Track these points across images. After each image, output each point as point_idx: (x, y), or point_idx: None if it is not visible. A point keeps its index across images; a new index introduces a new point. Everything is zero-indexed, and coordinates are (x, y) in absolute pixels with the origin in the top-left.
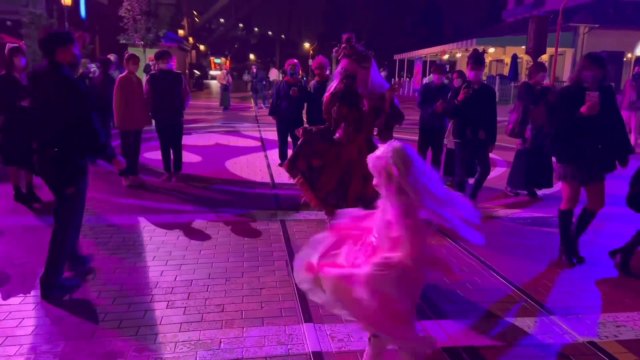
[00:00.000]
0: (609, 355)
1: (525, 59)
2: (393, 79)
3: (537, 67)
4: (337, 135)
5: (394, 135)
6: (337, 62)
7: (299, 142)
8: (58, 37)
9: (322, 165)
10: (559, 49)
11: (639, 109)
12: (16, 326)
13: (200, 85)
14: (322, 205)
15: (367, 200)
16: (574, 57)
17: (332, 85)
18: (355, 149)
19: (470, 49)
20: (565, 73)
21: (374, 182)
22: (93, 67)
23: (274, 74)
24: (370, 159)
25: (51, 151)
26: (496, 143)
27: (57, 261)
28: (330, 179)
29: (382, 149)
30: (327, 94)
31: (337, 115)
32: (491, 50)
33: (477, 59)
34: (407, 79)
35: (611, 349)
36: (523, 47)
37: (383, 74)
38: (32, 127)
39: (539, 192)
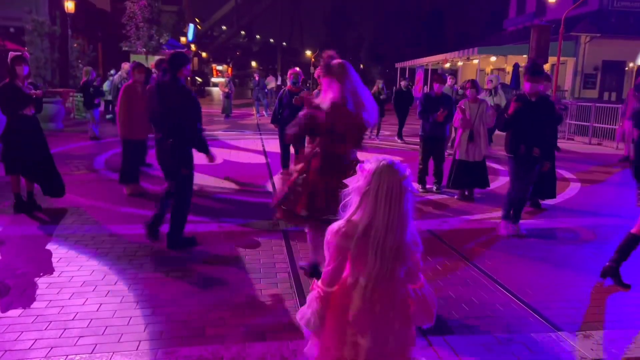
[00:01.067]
0: None
1: None
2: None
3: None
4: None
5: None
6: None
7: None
8: (184, 58)
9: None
10: (561, 58)
11: None
12: (15, 339)
13: (202, 92)
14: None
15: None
16: (575, 66)
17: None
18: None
19: (472, 58)
20: (567, 82)
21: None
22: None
23: (272, 81)
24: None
25: (168, 142)
26: (495, 152)
27: (180, 224)
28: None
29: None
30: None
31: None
32: (493, 59)
33: (534, 70)
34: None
35: None
36: (525, 56)
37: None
38: (156, 124)
39: (542, 203)
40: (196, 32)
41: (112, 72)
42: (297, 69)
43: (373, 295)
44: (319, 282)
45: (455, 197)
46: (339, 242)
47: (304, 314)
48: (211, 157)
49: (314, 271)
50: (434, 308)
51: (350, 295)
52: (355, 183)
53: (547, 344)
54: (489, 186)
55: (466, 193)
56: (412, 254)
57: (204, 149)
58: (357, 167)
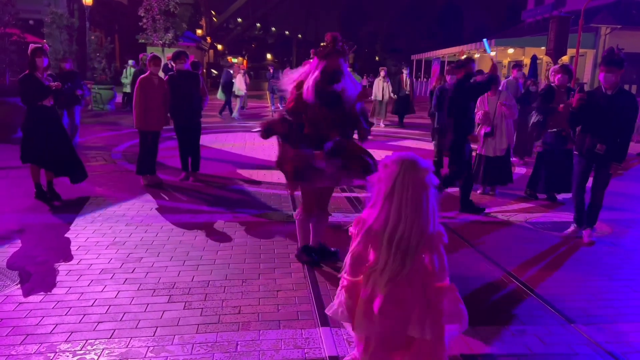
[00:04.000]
0: None
1: (545, 60)
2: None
3: (562, 70)
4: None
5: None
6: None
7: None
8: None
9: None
10: (580, 50)
11: None
12: (36, 324)
13: (217, 84)
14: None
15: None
16: (595, 58)
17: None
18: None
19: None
20: (586, 75)
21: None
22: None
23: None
24: (381, 165)
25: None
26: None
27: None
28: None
29: (391, 157)
30: (294, 96)
31: (315, 115)
32: (510, 51)
33: (610, 59)
34: (425, 80)
35: (634, 358)
36: (543, 48)
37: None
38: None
39: (559, 197)
40: (489, 45)
41: (131, 62)
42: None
43: (395, 287)
44: (344, 273)
45: (478, 192)
46: (363, 235)
47: (332, 305)
48: None
49: (311, 257)
50: (463, 311)
51: (374, 285)
52: (377, 180)
53: (560, 336)
54: (512, 182)
55: (488, 189)
56: (436, 246)
57: None
58: (379, 163)
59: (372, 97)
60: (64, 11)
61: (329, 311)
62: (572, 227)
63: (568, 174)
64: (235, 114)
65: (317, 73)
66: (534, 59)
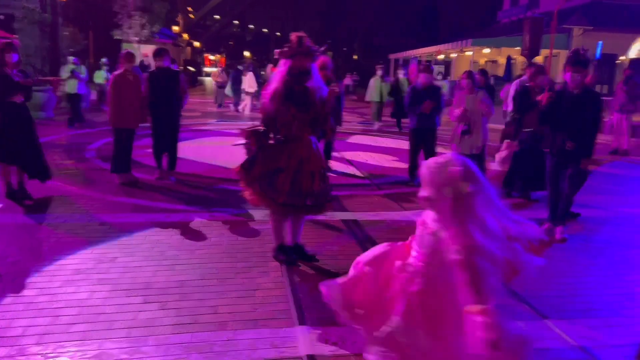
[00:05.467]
0: None
1: (519, 60)
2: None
3: (537, 71)
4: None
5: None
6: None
7: (251, 149)
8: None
9: (277, 168)
10: (554, 51)
11: (630, 112)
12: (6, 327)
13: (194, 81)
14: (280, 210)
15: (316, 195)
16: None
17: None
18: (305, 146)
19: (466, 50)
20: (559, 74)
21: (426, 194)
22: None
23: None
24: (430, 168)
25: None
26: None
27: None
28: (286, 180)
29: (444, 160)
30: (267, 94)
31: (285, 117)
32: (486, 50)
33: (576, 60)
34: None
35: (604, 353)
36: (518, 48)
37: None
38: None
39: (533, 194)
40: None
41: (104, 60)
42: None
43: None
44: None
45: None
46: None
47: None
48: None
49: (288, 256)
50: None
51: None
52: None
53: (534, 331)
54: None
55: None
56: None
57: None
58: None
59: (368, 99)
60: (36, 6)
61: None
62: (546, 225)
63: (543, 172)
64: (244, 110)
65: (284, 74)
66: (509, 59)
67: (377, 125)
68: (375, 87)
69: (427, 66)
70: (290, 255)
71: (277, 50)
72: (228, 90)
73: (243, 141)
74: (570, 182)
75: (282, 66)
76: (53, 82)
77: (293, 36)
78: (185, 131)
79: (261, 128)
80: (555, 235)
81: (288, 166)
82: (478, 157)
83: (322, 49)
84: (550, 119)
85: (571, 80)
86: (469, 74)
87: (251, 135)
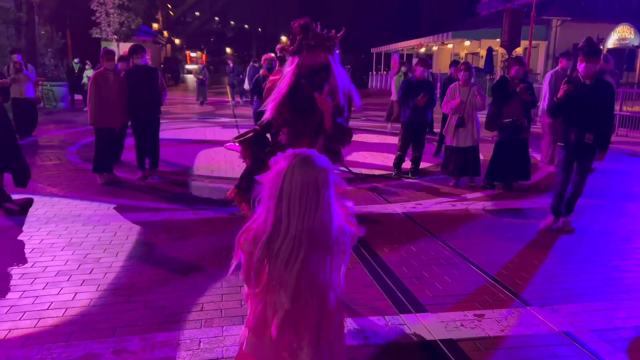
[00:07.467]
0: (584, 345)
1: (500, 51)
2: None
3: (515, 62)
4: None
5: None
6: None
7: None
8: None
9: None
10: (533, 42)
11: None
12: None
13: (176, 79)
14: None
15: None
16: (547, 49)
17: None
18: None
19: (447, 42)
20: (540, 65)
21: None
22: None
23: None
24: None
25: None
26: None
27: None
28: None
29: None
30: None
31: (293, 126)
32: (467, 43)
33: (589, 49)
34: (385, 72)
35: (586, 338)
36: (498, 40)
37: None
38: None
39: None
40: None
41: (76, 60)
42: (272, 54)
43: (293, 311)
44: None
45: (451, 184)
46: (251, 249)
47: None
48: None
49: None
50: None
51: (269, 308)
52: (267, 180)
53: (517, 318)
54: (479, 174)
55: (459, 182)
56: (333, 252)
57: None
58: (270, 162)
59: (395, 98)
60: (11, 5)
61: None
62: (550, 218)
63: (524, 162)
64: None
65: (291, 75)
66: (490, 50)
67: (389, 127)
68: (399, 85)
69: (424, 59)
70: None
71: (278, 47)
72: (246, 86)
73: (237, 148)
74: (581, 173)
75: (290, 65)
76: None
77: (296, 25)
78: (167, 129)
79: (257, 130)
80: (567, 226)
81: None
82: (473, 150)
83: (341, 34)
84: (566, 111)
85: (585, 71)
86: (467, 66)
87: (247, 147)
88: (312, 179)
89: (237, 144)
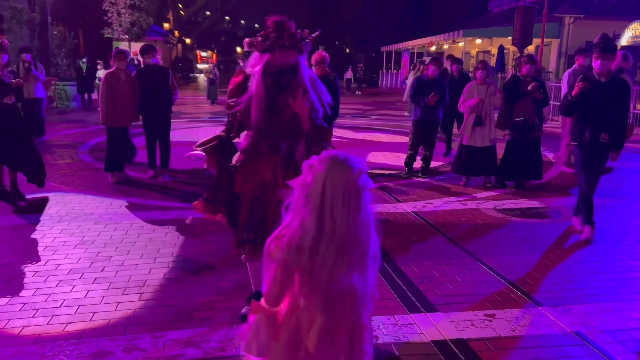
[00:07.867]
0: (596, 346)
1: (512, 49)
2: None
3: (527, 60)
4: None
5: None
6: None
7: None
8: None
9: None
10: (545, 40)
11: None
12: (2, 327)
13: (186, 78)
14: (239, 249)
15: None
16: (559, 47)
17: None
18: (268, 168)
19: (458, 41)
20: (552, 64)
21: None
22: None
23: None
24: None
25: None
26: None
27: None
28: (242, 209)
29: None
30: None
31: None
32: (478, 41)
33: (605, 46)
34: (395, 71)
35: (598, 339)
36: (510, 37)
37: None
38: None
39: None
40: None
41: (84, 60)
42: None
43: (330, 322)
44: (262, 303)
45: (461, 183)
46: (285, 257)
47: (249, 345)
48: None
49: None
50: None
51: (303, 322)
52: (300, 184)
53: (529, 319)
54: (496, 175)
55: (469, 181)
56: (371, 270)
57: None
58: (303, 165)
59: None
60: (24, 6)
61: (246, 350)
62: (587, 229)
63: (536, 161)
64: None
65: (257, 74)
66: (501, 48)
67: None
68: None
69: (437, 58)
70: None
71: (246, 41)
72: None
73: (203, 157)
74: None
75: (256, 63)
76: (44, 82)
77: (270, 22)
78: (178, 129)
79: (222, 137)
80: (588, 233)
81: (243, 191)
82: (490, 150)
83: (314, 35)
84: (580, 110)
85: (601, 69)
86: (484, 64)
87: (211, 155)
88: (353, 181)
89: (200, 152)
